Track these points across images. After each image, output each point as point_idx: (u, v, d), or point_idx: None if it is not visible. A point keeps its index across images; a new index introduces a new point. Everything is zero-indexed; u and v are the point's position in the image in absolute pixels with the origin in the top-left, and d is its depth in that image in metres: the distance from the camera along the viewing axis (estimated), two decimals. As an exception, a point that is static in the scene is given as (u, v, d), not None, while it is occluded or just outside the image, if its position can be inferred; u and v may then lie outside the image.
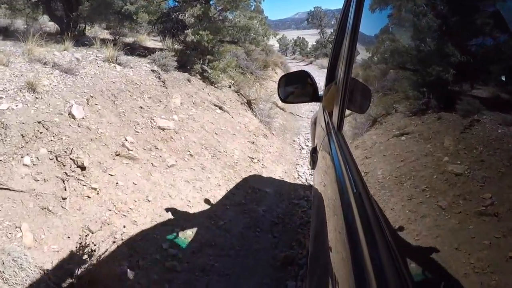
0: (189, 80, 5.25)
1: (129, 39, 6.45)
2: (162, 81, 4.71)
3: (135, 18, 5.60)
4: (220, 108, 5.17)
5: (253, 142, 4.84)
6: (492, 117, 0.33)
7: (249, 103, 6.05)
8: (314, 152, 1.57)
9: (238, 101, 5.94)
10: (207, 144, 4.18)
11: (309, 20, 36.87)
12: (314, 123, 2.23)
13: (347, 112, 0.99)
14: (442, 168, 0.40)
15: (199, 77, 5.53)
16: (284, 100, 1.84)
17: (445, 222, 0.37)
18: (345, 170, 0.75)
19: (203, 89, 5.36)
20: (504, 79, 0.33)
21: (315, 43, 31.75)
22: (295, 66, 19.82)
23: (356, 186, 0.63)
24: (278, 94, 1.85)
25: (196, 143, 4.07)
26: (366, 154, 0.74)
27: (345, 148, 0.87)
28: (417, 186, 0.45)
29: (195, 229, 2.82)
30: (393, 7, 0.69)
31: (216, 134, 4.50)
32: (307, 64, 23.89)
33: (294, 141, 5.80)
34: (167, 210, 2.93)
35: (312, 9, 36.66)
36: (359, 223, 0.53)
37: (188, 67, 5.44)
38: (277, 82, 1.89)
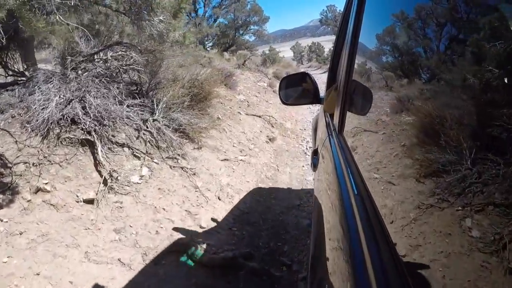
0: None
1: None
2: None
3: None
4: None
5: None
6: (493, 117, 0.33)
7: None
8: (315, 154, 1.57)
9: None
10: None
11: (323, 21, 34.49)
12: (315, 126, 2.24)
13: (348, 114, 0.99)
14: (444, 170, 0.39)
15: None
16: (285, 102, 1.85)
17: (446, 223, 0.37)
18: (346, 172, 0.75)
19: None
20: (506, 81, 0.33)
21: (331, 47, 29.88)
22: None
23: (357, 189, 0.63)
24: (280, 97, 1.86)
25: None
26: (367, 156, 0.74)
27: (346, 150, 0.87)
28: (418, 188, 0.45)
29: None
30: (393, 9, 0.69)
31: None
32: (324, 72, 17.67)
33: None
34: None
35: (325, 8, 33.79)
36: (360, 226, 0.52)
37: None
38: (278, 85, 1.89)
